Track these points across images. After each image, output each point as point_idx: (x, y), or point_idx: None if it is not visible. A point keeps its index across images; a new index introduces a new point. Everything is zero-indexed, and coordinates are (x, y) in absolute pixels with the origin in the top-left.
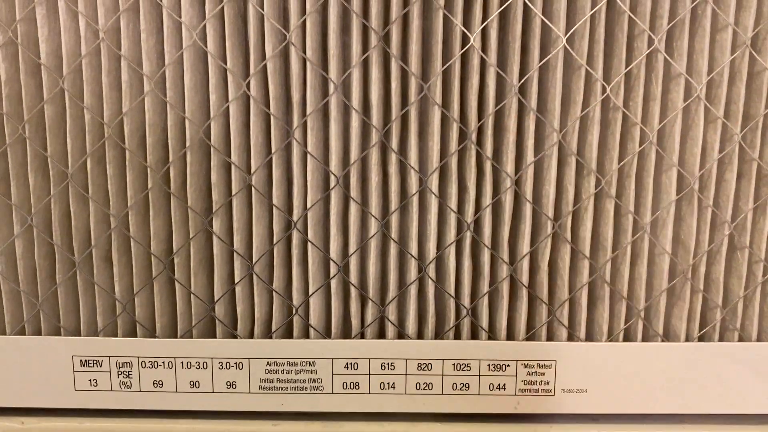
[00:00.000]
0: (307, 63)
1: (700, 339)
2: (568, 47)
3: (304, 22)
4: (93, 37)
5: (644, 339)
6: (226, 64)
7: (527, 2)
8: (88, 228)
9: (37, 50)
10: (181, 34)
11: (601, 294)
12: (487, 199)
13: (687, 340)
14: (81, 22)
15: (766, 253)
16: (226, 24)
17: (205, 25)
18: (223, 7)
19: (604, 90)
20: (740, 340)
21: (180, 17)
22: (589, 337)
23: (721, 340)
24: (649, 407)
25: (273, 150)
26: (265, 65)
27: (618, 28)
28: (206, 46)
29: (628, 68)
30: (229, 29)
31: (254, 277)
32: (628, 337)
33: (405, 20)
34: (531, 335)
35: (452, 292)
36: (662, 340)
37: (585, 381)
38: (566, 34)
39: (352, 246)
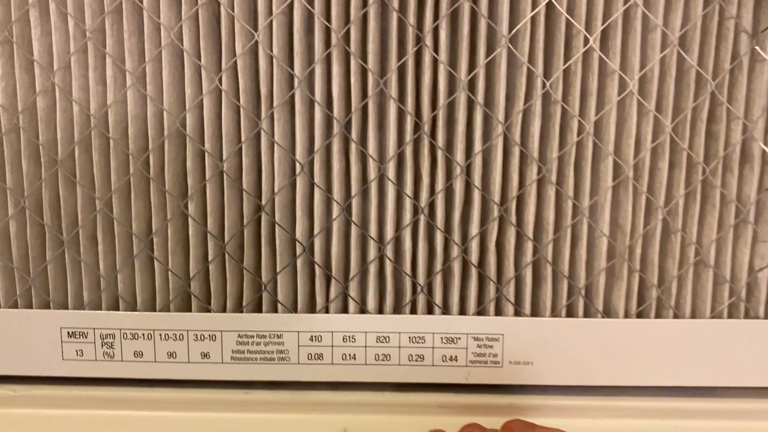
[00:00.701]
0: (274, 60)
1: (638, 316)
2: (511, 47)
3: (271, 23)
4: (80, 36)
5: (586, 315)
6: (200, 61)
7: (473, 6)
8: (76, 210)
9: (30, 48)
10: (160, 34)
11: (545, 273)
12: (440, 186)
13: (626, 316)
14: (70, 23)
15: (697, 236)
16: (200, 25)
17: (181, 26)
18: (197, 9)
19: (544, 85)
20: (675, 317)
21: (159, 19)
22: (534, 312)
23: (657, 317)
24: (590, 379)
25: (243, 139)
26: (236, 62)
27: (557, 29)
28: (182, 45)
29: (566, 65)
30: (203, 29)
31: (226, 256)
32: (570, 313)
33: (363, 21)
34: (480, 311)
35: (408, 271)
36: (602, 317)
37: (530, 354)
38: (509, 34)
39: (317, 228)
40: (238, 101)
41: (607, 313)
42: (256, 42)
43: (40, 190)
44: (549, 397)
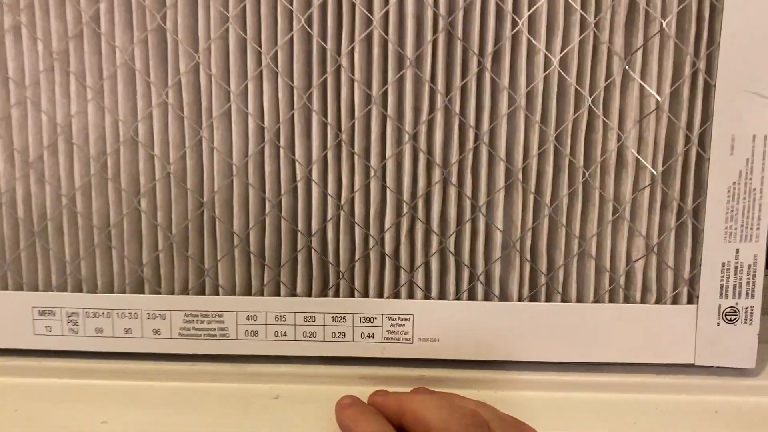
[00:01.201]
0: (212, 78)
1: (530, 299)
2: (415, 68)
3: (210, 46)
4: (48, 57)
5: (485, 299)
6: (149, 78)
7: (381, 33)
8: (45, 205)
9: (6, 67)
10: (116, 55)
11: (449, 262)
12: (357, 186)
13: (519, 300)
14: (39, 45)
15: (580, 231)
16: (149, 47)
17: (133, 48)
18: (147, 34)
19: (444, 100)
20: (562, 301)
21: (114, 42)
22: (440, 296)
23: (547, 300)
24: (490, 354)
25: (187, 145)
26: (180, 79)
27: (454, 52)
28: (134, 64)
29: (462, 83)
30: (152, 51)
31: (174, 246)
32: (471, 296)
33: (290, 45)
34: (394, 294)
35: (331, 259)
36: (498, 300)
37: (437, 332)
38: (413, 55)
39: (251, 222)
40: (182, 113)
41: (503, 296)
42: (197, 62)
43: (14, 188)
44: (454, 370)
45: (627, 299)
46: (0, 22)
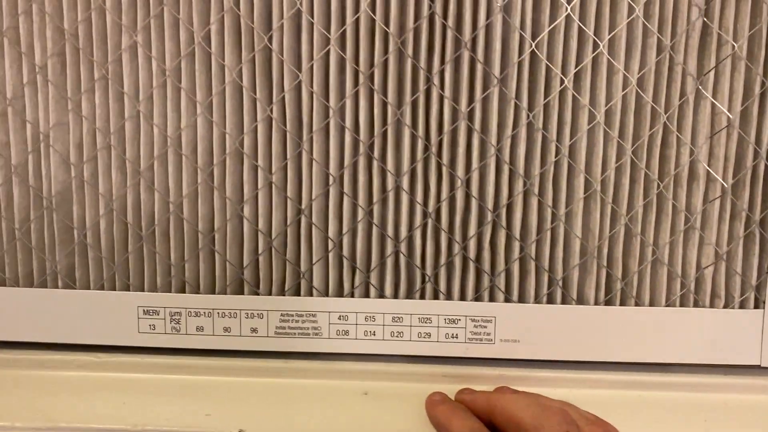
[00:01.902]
0: (314, 95)
1: (606, 303)
2: (501, 86)
3: (312, 66)
4: (161, 74)
5: (563, 302)
6: (255, 94)
7: (472, 54)
8: (153, 212)
9: (122, 83)
10: (224, 73)
11: (529, 268)
12: (444, 195)
13: (596, 304)
14: (153, 63)
15: (653, 239)
16: (256, 66)
17: (241, 67)
18: (254, 54)
19: (528, 117)
20: (636, 305)
21: (224, 61)
22: (521, 299)
23: (621, 304)
24: (567, 355)
25: (288, 157)
26: (284, 96)
27: (539, 72)
28: (242, 82)
29: (546, 100)
30: (258, 70)
31: (273, 250)
32: (550, 300)
33: (385, 65)
34: (477, 297)
35: (418, 264)
36: (576, 304)
37: (518, 333)
38: (500, 75)
39: (345, 228)
40: (285, 127)
41: (580, 301)
42: (300, 80)
43: (125, 196)
44: (532, 370)
45: (697, 304)
46: (118, 41)
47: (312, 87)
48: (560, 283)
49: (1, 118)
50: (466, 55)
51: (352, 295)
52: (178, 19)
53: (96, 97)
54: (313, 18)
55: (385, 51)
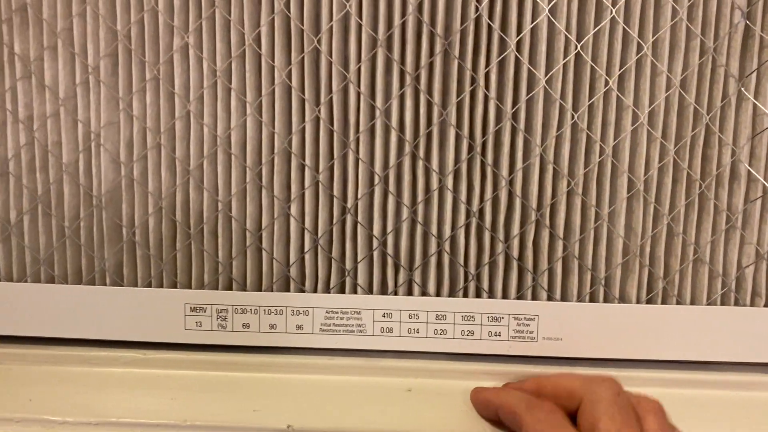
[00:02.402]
0: (361, 95)
1: (648, 302)
2: (547, 87)
3: (359, 67)
4: (212, 75)
5: (605, 301)
6: (304, 95)
7: (517, 54)
8: (201, 210)
9: (173, 83)
10: (274, 74)
11: (572, 266)
12: (488, 194)
13: (638, 302)
14: (204, 64)
15: (695, 238)
16: (305, 67)
17: (291, 68)
18: (303, 56)
19: (573, 117)
20: (677, 303)
21: (273, 62)
22: (564, 298)
23: (663, 303)
24: (608, 353)
25: (335, 156)
26: (332, 97)
27: (583, 73)
28: (291, 82)
29: (590, 101)
30: (307, 71)
31: (318, 248)
32: (593, 299)
33: (431, 66)
34: (520, 296)
35: (462, 262)
36: (618, 302)
37: (560, 331)
38: (545, 76)
39: (389, 227)
40: (332, 127)
41: (622, 299)
42: (348, 81)
43: (174, 194)
44: (575, 368)
45: (737, 302)
46: (169, 42)
47: (359, 88)
48: (603, 281)
49: (53, 118)
50: (511, 57)
51: (396, 293)
52: (229, 21)
53: (147, 96)
54: (361, 20)
55: (432, 52)
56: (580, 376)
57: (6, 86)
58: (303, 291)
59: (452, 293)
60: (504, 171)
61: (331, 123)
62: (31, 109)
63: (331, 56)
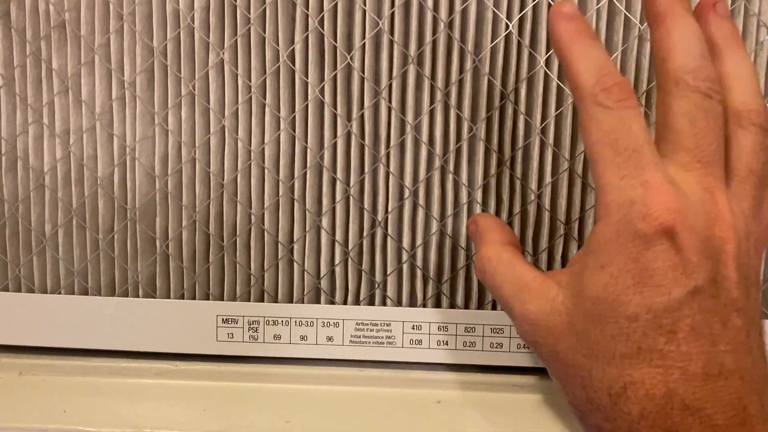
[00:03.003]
0: (392, 110)
1: None
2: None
3: (390, 84)
4: (246, 90)
5: None
6: (336, 110)
7: (546, 71)
8: (235, 223)
9: (207, 98)
10: (307, 90)
11: None
12: (517, 208)
13: None
14: (239, 80)
15: None
16: (337, 83)
17: (324, 84)
18: (336, 73)
19: None
20: None
21: (306, 78)
22: None
23: None
24: None
25: (366, 171)
26: (363, 113)
27: None
28: (324, 98)
29: None
30: (339, 87)
31: (349, 260)
32: None
33: (461, 82)
34: None
35: None
36: None
37: None
38: None
39: (419, 240)
40: (364, 141)
41: None
42: (379, 97)
43: (207, 207)
44: None
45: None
46: (205, 59)
47: (390, 103)
48: None
49: (89, 132)
50: (540, 73)
51: (425, 305)
52: (264, 38)
53: (182, 112)
54: (393, 37)
55: (462, 69)
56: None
57: (44, 101)
58: (333, 303)
59: (481, 306)
60: (533, 185)
61: (363, 138)
62: (67, 124)
63: (363, 72)
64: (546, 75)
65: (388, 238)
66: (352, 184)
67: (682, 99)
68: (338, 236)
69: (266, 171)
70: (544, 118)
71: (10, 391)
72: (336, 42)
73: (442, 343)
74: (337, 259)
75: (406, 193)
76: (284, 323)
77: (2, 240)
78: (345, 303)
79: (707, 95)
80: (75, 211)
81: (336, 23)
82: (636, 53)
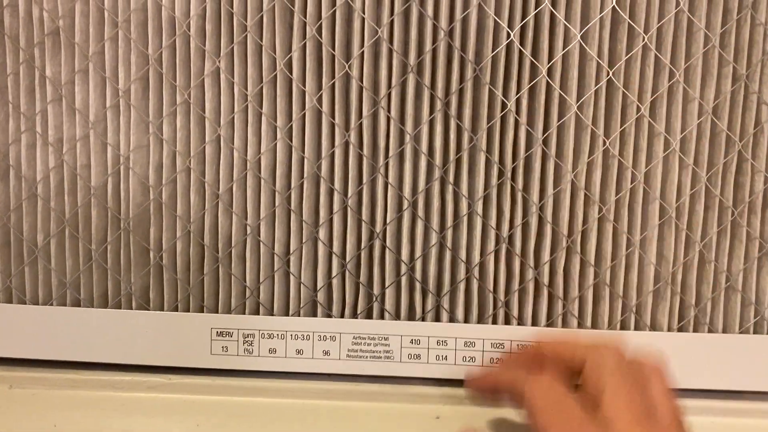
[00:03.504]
0: (391, 120)
1: (679, 330)
2: (578, 112)
3: (389, 93)
4: (242, 99)
5: (636, 329)
6: (334, 120)
7: (548, 80)
8: (230, 234)
9: (203, 107)
10: (304, 99)
11: (603, 294)
12: (518, 220)
13: (668, 330)
14: (235, 89)
15: (727, 266)
16: (335, 92)
17: (321, 94)
18: (334, 81)
19: (604, 143)
20: (709, 331)
21: (304, 87)
22: (594, 325)
23: (695, 331)
24: None
25: (364, 181)
26: (362, 122)
27: (615, 99)
28: (321, 107)
29: (622, 128)
30: (338, 96)
31: (346, 272)
32: (623, 326)
33: (462, 91)
34: (550, 323)
35: (491, 289)
36: (650, 330)
37: None
38: (577, 102)
39: (418, 252)
40: (362, 151)
41: (654, 327)
42: (378, 106)
43: (202, 218)
44: None
45: None
46: (200, 67)
47: (389, 113)
48: (634, 309)
49: (82, 141)
50: (543, 82)
51: (424, 319)
52: (261, 46)
53: (177, 120)
54: (392, 45)
55: (463, 78)
56: (581, 340)
57: (37, 109)
58: (330, 316)
59: (481, 320)
60: (534, 197)
61: (361, 148)
62: (61, 132)
63: (361, 81)
64: (548, 84)
65: (387, 250)
66: (349, 194)
67: None
68: (335, 248)
69: (262, 181)
70: (546, 128)
71: (1, 404)
72: (334, 50)
73: (441, 358)
74: (335, 271)
75: (405, 204)
76: (280, 336)
77: None
78: (342, 316)
79: None
80: (68, 221)
81: (334, 31)
82: (640, 63)
